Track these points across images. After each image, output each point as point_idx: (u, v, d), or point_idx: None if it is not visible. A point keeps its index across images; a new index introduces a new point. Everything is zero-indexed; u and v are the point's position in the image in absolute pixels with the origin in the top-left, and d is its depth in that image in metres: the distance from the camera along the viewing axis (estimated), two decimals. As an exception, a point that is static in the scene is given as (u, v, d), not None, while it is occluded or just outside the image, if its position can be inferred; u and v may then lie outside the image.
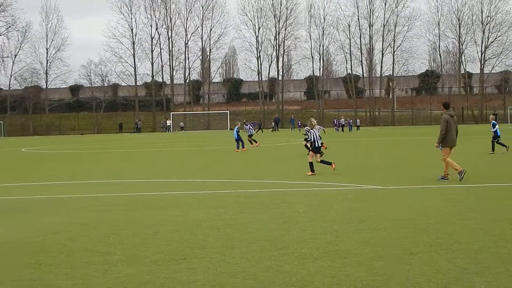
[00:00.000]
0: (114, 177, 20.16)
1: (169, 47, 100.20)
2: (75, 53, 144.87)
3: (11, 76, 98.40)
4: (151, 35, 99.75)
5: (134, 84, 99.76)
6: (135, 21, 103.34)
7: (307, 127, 20.37)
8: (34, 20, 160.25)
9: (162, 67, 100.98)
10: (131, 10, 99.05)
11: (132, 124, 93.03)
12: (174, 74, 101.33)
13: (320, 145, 19.59)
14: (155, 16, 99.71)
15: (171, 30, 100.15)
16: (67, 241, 9.49)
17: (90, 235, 9.93)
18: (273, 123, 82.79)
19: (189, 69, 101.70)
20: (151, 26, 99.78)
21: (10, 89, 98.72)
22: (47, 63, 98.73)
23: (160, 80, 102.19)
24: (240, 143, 33.37)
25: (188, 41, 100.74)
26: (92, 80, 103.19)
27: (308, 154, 20.33)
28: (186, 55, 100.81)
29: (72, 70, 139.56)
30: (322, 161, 19.64)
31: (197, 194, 15.29)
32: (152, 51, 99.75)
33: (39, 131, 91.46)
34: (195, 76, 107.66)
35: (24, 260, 8.26)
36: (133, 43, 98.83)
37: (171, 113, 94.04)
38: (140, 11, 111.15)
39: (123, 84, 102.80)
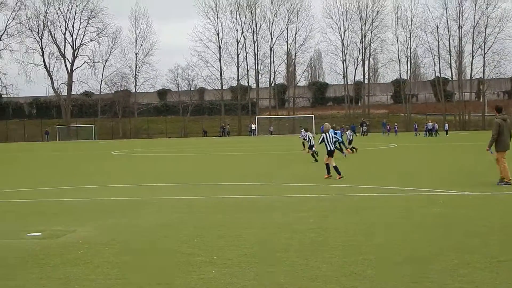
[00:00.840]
0: (199, 180, 20.42)
1: (254, 51, 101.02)
2: (163, 58, 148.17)
3: (101, 80, 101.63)
4: (237, 39, 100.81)
5: (220, 88, 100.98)
6: (221, 25, 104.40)
7: (307, 133, 20.55)
8: (124, 25, 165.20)
9: (247, 71, 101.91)
10: (217, 15, 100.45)
11: (218, 128, 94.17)
12: (259, 78, 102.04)
13: (333, 148, 19.74)
14: (240, 21, 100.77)
15: (257, 34, 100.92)
16: (152, 242, 9.67)
17: (174, 236, 10.09)
18: (361, 128, 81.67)
19: (274, 72, 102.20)
20: (236, 30, 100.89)
21: (101, 93, 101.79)
22: (136, 67, 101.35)
23: (246, 84, 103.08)
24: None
25: (273, 44, 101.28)
26: (179, 84, 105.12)
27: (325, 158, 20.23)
28: (271, 59, 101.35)
29: (160, 74, 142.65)
30: (335, 167, 19.39)
31: (280, 198, 15.29)
32: (237, 55, 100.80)
33: (128, 134, 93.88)
34: (280, 80, 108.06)
35: (111, 260, 8.47)
36: (219, 47, 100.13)
37: (256, 117, 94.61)
38: (226, 16, 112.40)
39: (209, 88, 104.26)
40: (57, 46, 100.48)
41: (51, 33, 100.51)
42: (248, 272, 7.58)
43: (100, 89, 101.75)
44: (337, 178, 19.08)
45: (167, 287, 7.05)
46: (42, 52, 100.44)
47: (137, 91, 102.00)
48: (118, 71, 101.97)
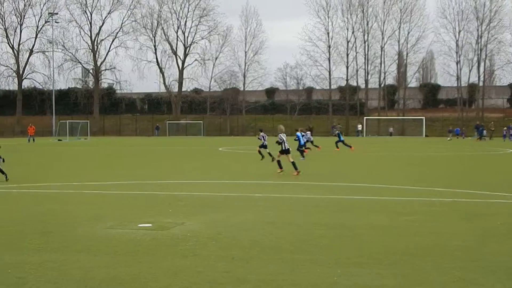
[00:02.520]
0: (303, 179, 20.41)
1: (364, 50, 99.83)
2: (272, 56, 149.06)
3: (211, 78, 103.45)
4: (347, 39, 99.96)
5: (328, 87, 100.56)
6: (332, 24, 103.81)
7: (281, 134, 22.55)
8: (234, 24, 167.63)
9: (357, 71, 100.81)
10: (328, 14, 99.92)
11: (325, 128, 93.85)
12: (369, 78, 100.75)
13: (288, 147, 21.97)
14: (351, 20, 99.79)
15: (368, 33, 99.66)
16: (258, 238, 9.77)
17: (279, 234, 10.15)
18: (476, 131, 78.61)
19: (385, 73, 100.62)
20: (347, 29, 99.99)
21: (210, 90, 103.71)
22: (245, 65, 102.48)
23: (355, 84, 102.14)
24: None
25: (384, 44, 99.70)
26: (288, 83, 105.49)
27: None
28: (382, 59, 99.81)
29: (268, 73, 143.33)
30: (292, 163, 21.71)
31: (381, 199, 15.08)
32: (347, 54, 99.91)
33: (236, 132, 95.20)
34: (390, 80, 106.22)
35: (218, 254, 8.63)
36: (329, 46, 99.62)
37: (365, 117, 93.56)
38: (337, 15, 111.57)
39: (317, 87, 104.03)
40: (170, 43, 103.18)
41: (164, 31, 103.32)
42: (352, 273, 7.52)
43: (210, 86, 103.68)
44: (294, 174, 21.17)
45: (271, 283, 7.10)
46: (155, 49, 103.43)
47: (246, 89, 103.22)
48: (228, 69, 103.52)
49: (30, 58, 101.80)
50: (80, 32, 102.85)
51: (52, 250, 8.94)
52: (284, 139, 22.15)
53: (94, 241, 9.54)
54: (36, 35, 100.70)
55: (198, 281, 7.21)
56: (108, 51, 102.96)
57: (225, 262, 8.15)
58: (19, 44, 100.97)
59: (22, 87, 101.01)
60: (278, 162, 22.25)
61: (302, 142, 32.23)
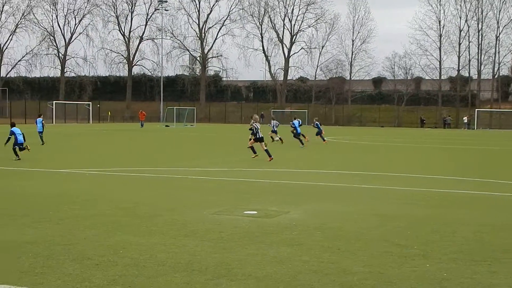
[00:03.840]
0: (412, 171, 19.97)
1: (478, 40, 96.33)
2: (380, 45, 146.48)
3: (317, 66, 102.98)
4: (460, 28, 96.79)
5: (438, 78, 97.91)
6: (444, 12, 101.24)
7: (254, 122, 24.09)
8: (342, 12, 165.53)
9: (469, 61, 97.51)
10: (440, 2, 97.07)
11: (434, 119, 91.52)
12: (482, 69, 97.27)
13: (262, 135, 23.43)
14: (465, 8, 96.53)
15: (482, 22, 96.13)
16: (364, 230, 9.62)
17: (387, 227, 9.95)
18: None
19: (499, 63, 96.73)
20: (460, 18, 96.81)
21: (316, 79, 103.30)
22: (352, 54, 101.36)
23: (466, 74, 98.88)
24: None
25: (499, 33, 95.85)
26: (395, 73, 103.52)
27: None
28: (497, 49, 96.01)
29: (375, 62, 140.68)
30: (266, 150, 23.27)
31: (498, 195, 14.51)
32: (459, 44, 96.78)
33: (341, 122, 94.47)
34: (505, 71, 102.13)
35: (324, 244, 8.55)
36: (440, 35, 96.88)
37: (476, 109, 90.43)
38: (450, 3, 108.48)
39: (426, 77, 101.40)
40: (276, 32, 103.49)
41: (271, 19, 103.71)
42: (465, 270, 7.26)
43: (315, 75, 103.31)
44: (269, 159, 22.61)
45: (379, 276, 6.96)
46: (262, 37, 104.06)
47: (352, 79, 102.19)
48: (334, 57, 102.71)
49: (140, 45, 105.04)
50: (188, 19, 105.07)
51: (161, 233, 9.14)
52: (258, 127, 23.65)
53: (201, 226, 9.68)
54: (146, 22, 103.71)
55: (303, 270, 7.16)
56: (215, 38, 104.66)
57: (331, 252, 8.06)
58: (129, 32, 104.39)
59: (132, 74, 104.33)
60: (251, 148, 23.84)
61: (299, 130, 33.75)
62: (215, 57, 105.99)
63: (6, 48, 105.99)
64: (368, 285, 6.60)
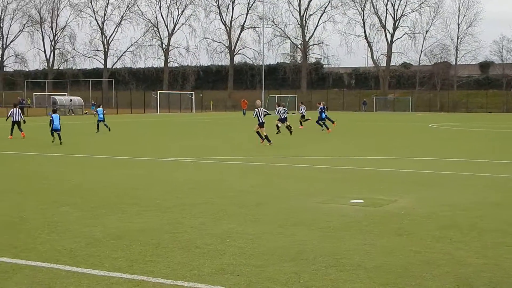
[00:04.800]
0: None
1: None
2: (487, 28, 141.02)
3: (421, 52, 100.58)
4: None
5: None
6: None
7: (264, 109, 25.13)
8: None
9: None
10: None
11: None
12: None
13: (263, 121, 24.20)
14: None
15: None
16: (477, 220, 9.22)
17: (503, 216, 9.50)
18: None
19: None
20: None
21: (420, 65, 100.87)
22: (457, 38, 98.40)
23: None
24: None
25: None
26: (504, 57, 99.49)
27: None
28: None
29: (482, 46, 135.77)
30: (265, 136, 24.04)
31: None
32: None
33: (446, 108, 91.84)
34: None
35: (434, 233, 8.25)
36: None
37: None
38: None
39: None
40: (378, 17, 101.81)
41: (373, 5, 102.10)
42: None
43: (419, 60, 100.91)
44: (268, 144, 23.55)
45: (495, 268, 6.63)
46: (364, 23, 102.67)
47: (458, 63, 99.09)
48: (439, 42, 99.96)
49: (241, 34, 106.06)
50: (289, 7, 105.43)
51: (268, 222, 9.08)
52: (260, 113, 24.31)
53: (308, 215, 9.56)
54: (247, 11, 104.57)
55: (414, 261, 6.91)
56: (316, 26, 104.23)
57: (443, 243, 7.75)
58: (231, 21, 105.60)
59: (234, 63, 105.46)
60: (258, 133, 24.35)
61: (323, 115, 34.25)
62: (316, 44, 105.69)
63: (112, 40, 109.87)
64: (484, 278, 6.29)
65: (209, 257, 7.04)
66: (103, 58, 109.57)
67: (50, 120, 25.10)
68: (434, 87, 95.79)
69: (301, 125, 35.92)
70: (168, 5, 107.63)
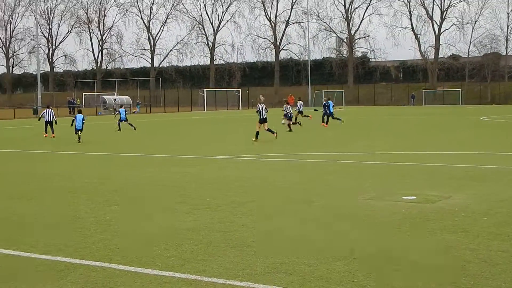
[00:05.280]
0: None
1: None
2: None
3: (470, 43, 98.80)
4: None
5: None
6: None
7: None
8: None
9: None
10: None
11: None
12: None
13: (265, 117, 24.45)
14: None
15: None
16: (535, 216, 8.96)
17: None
18: None
19: None
20: None
21: (469, 56, 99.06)
22: (507, 28, 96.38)
23: None
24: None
25: None
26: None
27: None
28: None
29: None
30: (268, 129, 24.50)
31: None
32: None
33: (497, 100, 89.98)
34: None
35: (491, 230, 8.05)
36: None
37: None
38: None
39: None
40: (425, 8, 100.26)
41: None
42: None
43: (468, 52, 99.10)
44: (274, 135, 24.37)
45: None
46: (410, 15, 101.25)
47: (508, 54, 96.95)
48: (488, 32, 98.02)
49: (286, 30, 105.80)
50: (334, 1, 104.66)
51: (318, 219, 8.99)
52: (262, 108, 24.54)
53: (358, 212, 9.43)
54: (292, 6, 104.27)
55: (471, 259, 6.73)
56: (362, 19, 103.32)
57: (501, 240, 7.55)
58: (275, 16, 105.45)
59: (279, 58, 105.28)
60: (257, 133, 24.13)
61: (331, 110, 34.94)
62: (362, 37, 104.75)
63: (158, 38, 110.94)
64: (546, 277, 6.09)
65: (261, 256, 6.99)
66: (150, 57, 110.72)
67: (73, 120, 26.31)
68: (484, 78, 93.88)
69: (296, 122, 34.85)
70: (213, 2, 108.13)
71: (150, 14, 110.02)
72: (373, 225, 8.51)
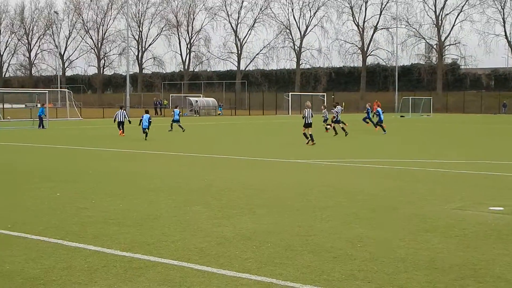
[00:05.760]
0: None
1: None
2: None
3: None
4: None
5: None
6: None
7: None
8: None
9: None
10: None
11: None
12: None
13: (310, 121, 25.30)
14: None
15: None
16: None
17: None
18: None
19: None
20: None
21: None
22: None
23: None
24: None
25: None
26: None
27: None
28: None
29: None
30: (310, 135, 25.16)
31: None
32: None
33: None
34: None
35: None
36: None
37: None
38: None
39: None
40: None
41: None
42: None
43: None
44: (311, 143, 24.81)
45: None
46: (504, 22, 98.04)
47: None
48: None
49: (374, 35, 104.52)
50: (424, 7, 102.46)
51: (400, 227, 8.77)
52: (306, 114, 25.54)
53: (442, 222, 9.15)
54: (381, 12, 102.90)
55: (561, 276, 6.40)
56: (453, 25, 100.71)
57: None
58: (363, 22, 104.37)
59: (366, 64, 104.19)
60: (304, 134, 25.49)
61: (382, 117, 34.63)
62: (452, 44, 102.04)
63: (245, 42, 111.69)
64: None
65: (339, 261, 6.87)
66: (237, 60, 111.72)
67: (140, 119, 28.46)
68: None
69: (327, 129, 35.43)
70: (301, 7, 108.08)
71: (238, 18, 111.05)
72: (457, 235, 8.23)
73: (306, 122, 25.54)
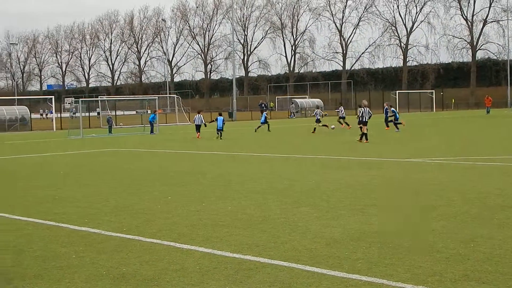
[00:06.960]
0: None
1: None
2: None
3: None
4: None
5: None
6: None
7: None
8: None
9: None
10: None
11: None
12: None
13: (366, 120, 25.90)
14: None
15: None
16: None
17: None
18: None
19: None
20: None
21: None
22: None
23: None
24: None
25: None
26: None
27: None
28: None
29: None
30: (364, 134, 25.69)
31: None
32: None
33: None
34: None
35: None
36: None
37: None
38: None
39: None
40: None
41: None
42: None
43: None
44: (365, 141, 25.33)
45: None
46: None
47: None
48: None
49: (483, 29, 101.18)
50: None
51: (515, 226, 8.47)
52: (365, 112, 26.05)
53: (562, 220, 8.74)
54: (490, 4, 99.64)
55: None
56: None
57: None
58: (472, 15, 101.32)
59: (476, 58, 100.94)
60: (365, 134, 25.77)
61: (398, 116, 35.98)
62: None
63: (350, 41, 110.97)
64: None
65: (452, 262, 6.70)
66: (342, 60, 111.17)
67: (212, 120, 32.49)
68: None
69: (342, 124, 38.49)
70: (406, 3, 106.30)
71: (343, 17, 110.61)
72: None
73: (362, 120, 25.97)
